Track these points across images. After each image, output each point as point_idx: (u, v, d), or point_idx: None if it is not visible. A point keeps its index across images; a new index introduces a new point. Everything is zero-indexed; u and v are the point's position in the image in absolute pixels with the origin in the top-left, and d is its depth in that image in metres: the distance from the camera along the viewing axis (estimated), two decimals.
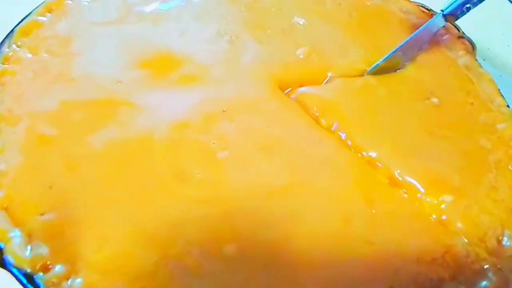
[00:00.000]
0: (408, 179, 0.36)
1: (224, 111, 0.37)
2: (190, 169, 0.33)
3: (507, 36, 0.66)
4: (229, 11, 0.46)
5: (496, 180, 0.37)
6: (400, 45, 0.44)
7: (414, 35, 0.46)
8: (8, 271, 0.28)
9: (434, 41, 0.49)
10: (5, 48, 0.39)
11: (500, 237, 0.34)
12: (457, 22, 0.52)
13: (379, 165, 0.37)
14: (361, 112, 0.40)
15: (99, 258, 0.28)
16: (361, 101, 0.40)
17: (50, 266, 0.28)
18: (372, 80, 0.43)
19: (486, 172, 0.38)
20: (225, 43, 0.43)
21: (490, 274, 0.32)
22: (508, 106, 0.44)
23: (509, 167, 0.39)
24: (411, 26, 0.50)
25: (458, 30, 0.51)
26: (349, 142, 0.38)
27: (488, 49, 0.64)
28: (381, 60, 0.43)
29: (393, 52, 0.44)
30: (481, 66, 0.47)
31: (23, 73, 0.37)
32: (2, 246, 0.29)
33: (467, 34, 0.51)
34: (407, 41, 0.45)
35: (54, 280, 0.27)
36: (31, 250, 0.28)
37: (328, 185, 0.34)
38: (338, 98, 0.40)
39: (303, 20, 0.47)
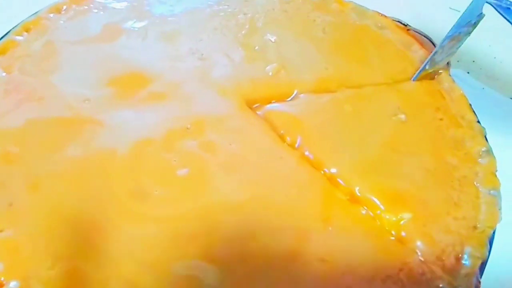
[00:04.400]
0: (368, 195, 0.36)
1: (188, 128, 0.38)
2: (148, 187, 0.34)
3: (494, 48, 0.66)
4: (202, 29, 0.48)
5: (459, 198, 0.37)
6: (440, 44, 0.45)
7: (454, 30, 0.44)
8: None
9: (408, 56, 0.50)
10: None
11: (460, 255, 0.34)
12: (436, 36, 0.53)
13: (340, 181, 0.37)
14: (325, 128, 0.40)
15: (52, 274, 0.29)
16: (326, 117, 0.41)
17: (4, 282, 0.29)
18: (339, 96, 0.43)
19: (449, 189, 0.38)
20: (196, 60, 0.44)
21: None
22: (478, 122, 0.44)
23: (474, 182, 0.39)
24: (385, 42, 0.51)
25: (434, 45, 0.52)
26: (311, 159, 0.38)
27: (474, 61, 0.64)
28: (424, 63, 0.45)
29: (434, 54, 0.45)
30: (453, 81, 0.48)
31: None
32: None
33: None
34: (448, 37, 0.44)
35: None
36: None
37: (285, 201, 0.35)
38: (303, 114, 0.41)
39: (275, 37, 0.48)
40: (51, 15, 0.46)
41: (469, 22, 0.45)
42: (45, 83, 0.40)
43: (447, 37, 0.45)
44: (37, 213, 0.32)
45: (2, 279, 0.29)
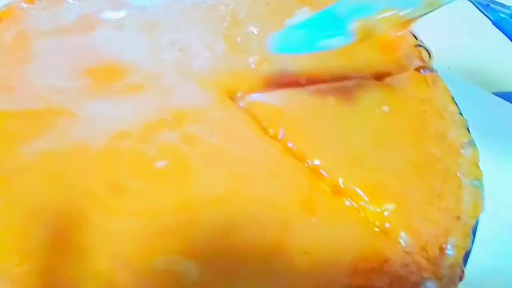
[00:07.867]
0: (352, 187, 0.35)
1: (167, 120, 0.37)
2: (125, 181, 0.32)
3: (474, 43, 0.67)
4: (182, 20, 0.46)
5: (442, 189, 0.37)
6: None
7: None
8: None
9: (391, 49, 0.50)
10: None
11: (444, 245, 0.34)
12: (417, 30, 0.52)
13: (323, 173, 0.36)
14: (308, 120, 0.39)
15: (20, 271, 0.28)
16: (310, 109, 0.40)
17: None
18: (323, 88, 0.42)
19: (432, 180, 0.37)
20: (175, 51, 0.43)
21: (429, 284, 0.31)
22: (460, 113, 0.44)
23: (457, 173, 0.38)
24: None
25: (416, 39, 0.51)
26: (294, 150, 0.37)
27: (454, 56, 0.65)
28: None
29: None
30: (437, 74, 0.48)
31: None
32: None
33: (433, 41, 0.51)
34: None
35: None
36: None
37: (268, 194, 0.34)
38: (286, 106, 0.40)
39: (258, 29, 0.47)
40: (24, 4, 0.45)
41: None
42: (16, 74, 0.38)
43: None
44: (4, 208, 0.30)
45: None
